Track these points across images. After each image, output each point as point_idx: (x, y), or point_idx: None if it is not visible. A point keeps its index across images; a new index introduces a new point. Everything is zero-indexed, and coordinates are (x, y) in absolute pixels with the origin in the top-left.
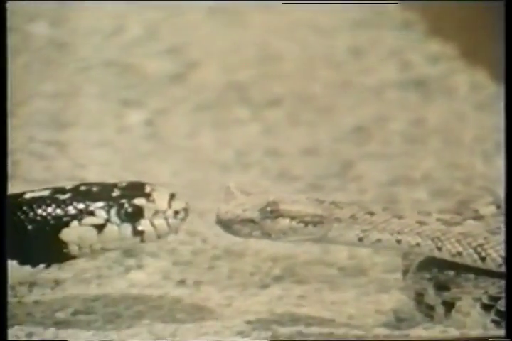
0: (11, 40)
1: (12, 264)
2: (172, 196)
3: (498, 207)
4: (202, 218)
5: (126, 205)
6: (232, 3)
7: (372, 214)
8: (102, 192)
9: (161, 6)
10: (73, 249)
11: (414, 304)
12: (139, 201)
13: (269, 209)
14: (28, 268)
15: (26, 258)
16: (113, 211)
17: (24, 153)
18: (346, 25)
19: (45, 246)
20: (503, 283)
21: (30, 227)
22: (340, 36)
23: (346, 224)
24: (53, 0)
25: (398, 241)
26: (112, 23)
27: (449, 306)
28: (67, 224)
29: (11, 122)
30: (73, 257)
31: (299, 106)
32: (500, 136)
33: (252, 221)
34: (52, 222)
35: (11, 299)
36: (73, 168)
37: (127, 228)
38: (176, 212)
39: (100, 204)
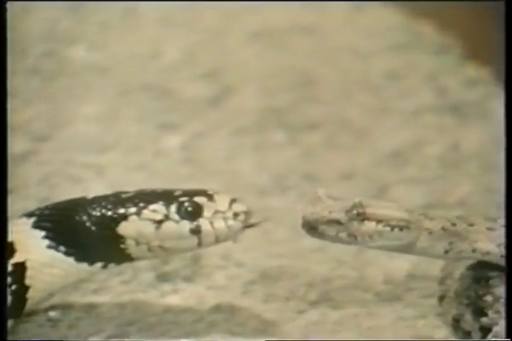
0: (48, 65)
1: (68, 261)
2: (234, 200)
3: None
4: (238, 242)
5: (187, 203)
6: (270, 27)
7: (454, 225)
8: (165, 192)
9: (199, 30)
10: (130, 244)
11: (450, 330)
12: (199, 199)
13: (355, 211)
14: (85, 266)
15: (83, 255)
16: (173, 207)
17: (61, 177)
18: (383, 50)
19: (103, 241)
20: None
21: (88, 223)
22: (377, 60)
23: (437, 236)
24: (55, 0)
25: (473, 251)
26: (150, 47)
27: (486, 331)
28: (125, 218)
29: (49, 146)
30: (130, 258)
31: (337, 130)
32: None
33: (338, 222)
34: (111, 216)
35: (45, 322)
36: (110, 191)
37: (186, 225)
38: (236, 214)
39: (161, 201)
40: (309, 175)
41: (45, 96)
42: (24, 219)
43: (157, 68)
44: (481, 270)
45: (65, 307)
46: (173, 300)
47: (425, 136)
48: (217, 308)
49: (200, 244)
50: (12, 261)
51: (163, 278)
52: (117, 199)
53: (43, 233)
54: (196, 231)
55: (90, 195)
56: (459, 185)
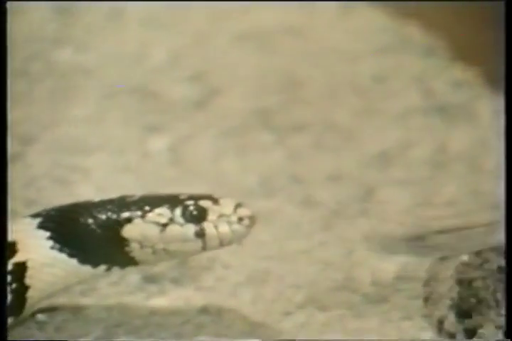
0: (34, 67)
1: (71, 263)
2: (239, 204)
3: None
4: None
5: (192, 207)
6: (257, 29)
7: None
8: (170, 196)
9: (186, 32)
10: (134, 247)
11: (436, 331)
12: (204, 203)
13: None
14: (88, 268)
15: (87, 258)
16: (178, 211)
17: (48, 179)
18: (371, 51)
19: (107, 244)
20: None
21: (92, 225)
22: (364, 62)
23: None
24: (56, 0)
25: None
26: (136, 49)
27: (471, 334)
28: (130, 221)
29: (36, 148)
30: (134, 261)
31: (324, 132)
32: None
33: None
34: (115, 219)
35: (32, 324)
36: (96, 193)
37: (190, 228)
38: (241, 219)
39: (166, 204)
40: (296, 176)
41: (32, 99)
42: (29, 220)
43: (144, 70)
44: (464, 272)
45: (52, 310)
46: (161, 302)
47: (412, 137)
48: (205, 310)
49: (204, 248)
50: (13, 260)
51: (150, 280)
52: (122, 203)
53: (47, 234)
54: (201, 235)
55: (96, 198)
56: (446, 187)
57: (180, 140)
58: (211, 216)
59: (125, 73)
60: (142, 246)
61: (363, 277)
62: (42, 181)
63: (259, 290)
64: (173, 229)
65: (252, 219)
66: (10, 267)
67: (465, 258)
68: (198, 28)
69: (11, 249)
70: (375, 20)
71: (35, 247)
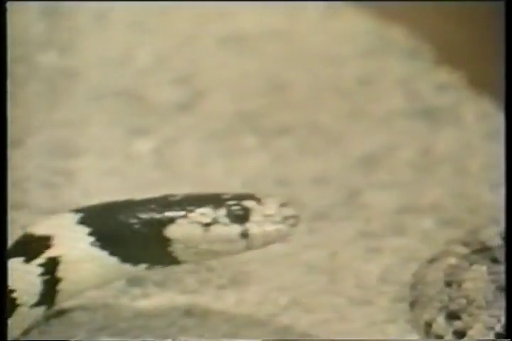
0: (20, 70)
1: (110, 261)
2: (283, 203)
3: (504, 238)
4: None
5: (236, 207)
6: (242, 32)
7: None
8: (213, 196)
9: (171, 35)
10: (178, 247)
11: (422, 334)
12: (248, 203)
13: None
14: (128, 266)
15: (127, 256)
16: (221, 211)
17: (33, 182)
18: (355, 54)
19: (149, 243)
20: None
21: (135, 225)
22: (349, 65)
23: None
24: (54, 0)
25: None
26: (121, 52)
27: (460, 335)
28: (173, 221)
29: (21, 151)
30: (177, 260)
31: (308, 135)
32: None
33: None
34: (158, 219)
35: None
36: (81, 196)
37: (234, 229)
38: (285, 218)
39: (209, 204)
40: (281, 179)
41: (17, 102)
42: (70, 214)
43: (129, 73)
44: (453, 274)
45: None
46: (145, 304)
47: (397, 140)
48: (189, 313)
49: (248, 247)
50: (46, 254)
51: (134, 282)
52: (165, 202)
53: (87, 230)
54: (245, 235)
55: (138, 197)
56: (431, 190)
57: (166, 142)
58: (255, 216)
59: (110, 76)
60: (185, 246)
61: (347, 280)
62: (27, 184)
63: (243, 293)
64: (217, 229)
65: (297, 218)
66: (42, 261)
67: (453, 260)
68: (183, 31)
69: (45, 243)
70: (359, 23)
71: (72, 242)
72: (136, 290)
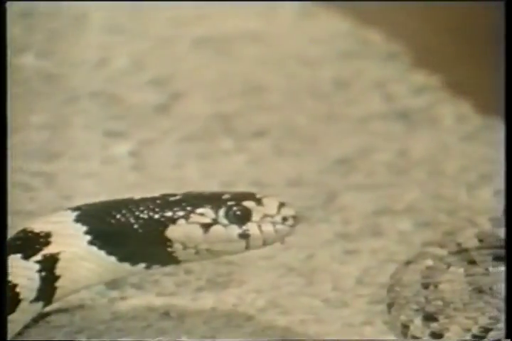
0: None
1: (108, 260)
2: (282, 204)
3: (481, 240)
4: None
5: (235, 207)
6: (218, 34)
7: None
8: (212, 196)
9: (147, 37)
10: (178, 247)
11: (399, 335)
12: (248, 203)
13: None
14: (126, 265)
15: (126, 255)
16: (221, 211)
17: (10, 185)
18: (331, 57)
19: (149, 243)
20: (494, 313)
21: (134, 224)
22: (325, 67)
23: None
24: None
25: None
26: (98, 54)
27: (437, 337)
28: (173, 222)
29: None
30: (177, 260)
31: (284, 137)
32: (485, 167)
33: None
34: (158, 219)
35: None
36: (59, 199)
37: (234, 229)
38: (285, 219)
39: (209, 205)
40: (257, 182)
41: None
42: (68, 212)
43: (105, 75)
44: (430, 276)
45: None
46: (122, 307)
47: (373, 142)
48: (166, 315)
49: (247, 247)
50: (43, 252)
51: (111, 285)
52: (165, 202)
53: (84, 228)
54: (245, 236)
55: (137, 196)
56: (407, 192)
57: (142, 145)
58: (255, 217)
59: (88, 78)
60: (185, 246)
61: (325, 282)
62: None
63: (220, 295)
64: (217, 229)
65: (296, 218)
66: (39, 258)
67: (430, 262)
68: (159, 33)
69: (43, 240)
70: (335, 25)
71: (71, 239)
72: (114, 293)
